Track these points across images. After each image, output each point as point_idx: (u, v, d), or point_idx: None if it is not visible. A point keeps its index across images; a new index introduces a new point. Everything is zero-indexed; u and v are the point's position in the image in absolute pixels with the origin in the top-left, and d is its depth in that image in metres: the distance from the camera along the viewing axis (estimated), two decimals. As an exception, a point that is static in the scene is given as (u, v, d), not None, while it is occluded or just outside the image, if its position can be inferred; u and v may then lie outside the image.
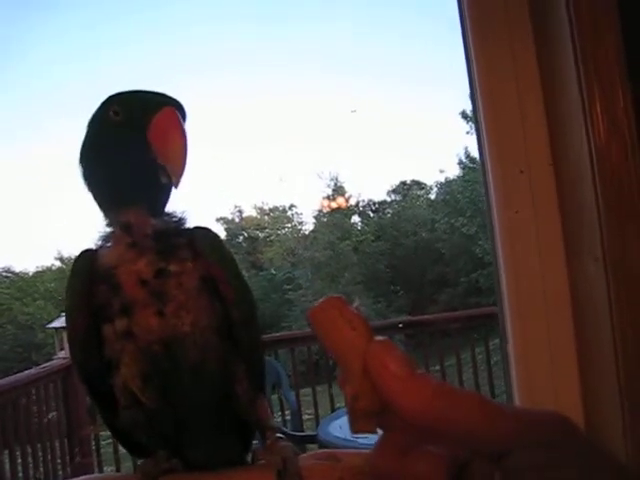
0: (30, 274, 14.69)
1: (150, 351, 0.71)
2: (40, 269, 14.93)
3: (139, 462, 0.74)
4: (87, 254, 0.76)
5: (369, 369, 0.35)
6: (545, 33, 1.09)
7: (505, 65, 1.11)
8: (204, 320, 0.73)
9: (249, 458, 0.80)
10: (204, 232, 0.78)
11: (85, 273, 0.74)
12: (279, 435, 0.74)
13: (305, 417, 4.82)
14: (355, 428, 0.37)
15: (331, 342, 0.38)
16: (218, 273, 0.75)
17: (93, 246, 0.76)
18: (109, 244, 0.74)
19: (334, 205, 15.71)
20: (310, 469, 0.68)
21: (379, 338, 0.37)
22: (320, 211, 16.12)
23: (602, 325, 1.00)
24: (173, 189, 0.76)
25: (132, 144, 0.74)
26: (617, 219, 0.98)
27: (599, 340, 1.02)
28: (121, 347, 0.71)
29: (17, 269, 14.47)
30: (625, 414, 0.96)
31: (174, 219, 0.77)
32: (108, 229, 0.76)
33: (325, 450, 0.72)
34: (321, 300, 0.39)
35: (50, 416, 3.87)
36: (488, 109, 1.12)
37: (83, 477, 0.73)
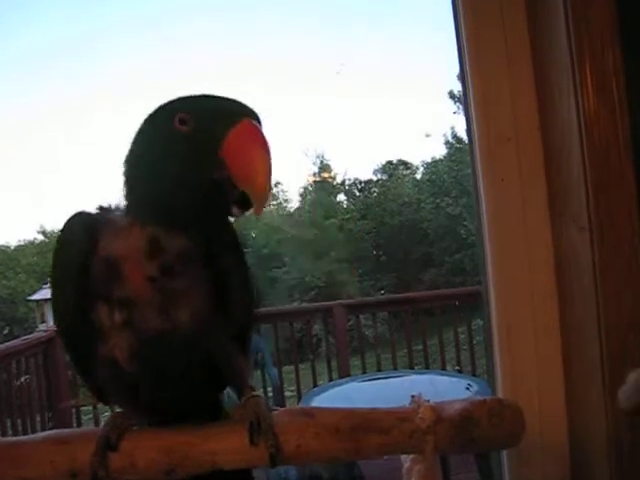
0: (12, 248, 14.56)
1: (145, 336, 0.69)
2: (22, 243, 14.80)
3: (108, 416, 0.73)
4: (84, 221, 0.72)
5: None
6: (536, -4, 1.06)
7: (494, 30, 1.09)
8: (204, 310, 0.71)
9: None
10: (222, 227, 0.73)
11: (82, 247, 0.70)
12: (255, 393, 0.73)
13: (287, 394, 4.83)
14: None
15: None
16: (226, 264, 0.73)
17: (92, 207, 0.73)
18: (119, 230, 0.70)
19: (319, 179, 15.70)
20: (285, 425, 0.67)
21: None
22: (306, 189, 16.09)
23: (586, 295, 0.99)
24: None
25: (201, 163, 0.65)
26: (604, 187, 0.96)
27: (583, 311, 1.01)
28: (115, 328, 0.70)
29: (-1, 243, 14.34)
30: (606, 384, 0.95)
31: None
32: (122, 213, 0.71)
33: (300, 406, 0.71)
34: None
35: (23, 379, 3.84)
36: (476, 73, 1.10)
37: (49, 431, 0.71)
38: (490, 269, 1.10)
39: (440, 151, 15.80)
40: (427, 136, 16.70)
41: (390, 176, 16.18)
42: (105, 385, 0.76)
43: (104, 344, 0.71)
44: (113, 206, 0.73)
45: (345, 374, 4.37)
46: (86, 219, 0.72)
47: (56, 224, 15.06)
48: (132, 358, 0.70)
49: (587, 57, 0.96)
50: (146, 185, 0.69)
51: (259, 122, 0.67)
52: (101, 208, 0.73)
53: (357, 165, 18.40)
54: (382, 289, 13.17)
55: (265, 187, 0.63)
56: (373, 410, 0.66)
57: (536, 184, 1.07)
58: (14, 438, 0.68)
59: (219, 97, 0.68)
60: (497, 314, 1.09)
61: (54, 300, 0.75)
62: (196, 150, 0.65)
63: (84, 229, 0.70)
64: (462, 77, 1.16)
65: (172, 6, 16.27)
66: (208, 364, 0.76)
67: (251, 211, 0.67)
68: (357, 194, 16.45)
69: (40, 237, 15.07)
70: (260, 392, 0.74)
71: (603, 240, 0.96)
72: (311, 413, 0.67)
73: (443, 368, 4.59)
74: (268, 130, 0.67)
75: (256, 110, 0.68)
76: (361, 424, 0.63)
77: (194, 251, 0.70)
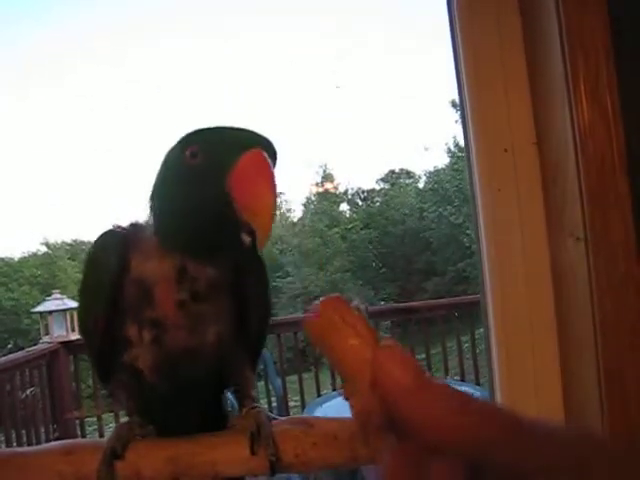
0: (15, 260, 14.58)
1: (171, 353, 0.71)
2: (25, 254, 14.83)
3: (114, 427, 0.74)
4: (116, 241, 0.72)
5: (376, 381, 0.32)
6: (531, 11, 1.08)
7: (490, 44, 1.11)
8: (227, 329, 0.73)
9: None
10: (249, 255, 0.73)
11: (115, 269, 0.70)
12: (255, 404, 0.75)
13: (291, 404, 4.83)
14: (367, 444, 0.34)
15: (333, 351, 0.34)
16: (251, 294, 0.75)
17: (124, 226, 0.74)
18: (150, 254, 0.70)
19: (321, 190, 15.74)
20: (284, 434, 0.68)
21: (385, 342, 0.33)
22: (309, 198, 16.12)
23: (582, 305, 1.00)
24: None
25: (210, 194, 0.65)
26: (599, 199, 0.98)
27: (579, 320, 1.02)
28: (141, 343, 0.71)
29: (2, 255, 14.36)
30: (603, 394, 0.96)
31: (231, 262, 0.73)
32: (152, 233, 0.72)
33: (299, 416, 0.72)
34: (318, 303, 0.35)
35: (29, 391, 3.84)
36: (473, 87, 1.11)
37: (55, 442, 0.72)
38: (488, 279, 1.11)
39: (443, 160, 15.85)
40: (426, 149, 16.77)
41: (393, 185, 16.20)
42: (120, 391, 0.77)
43: (128, 354, 0.72)
44: (143, 222, 0.74)
45: (349, 384, 4.35)
46: (118, 238, 0.72)
47: (59, 236, 15.12)
48: (155, 369, 0.72)
49: (581, 72, 0.98)
50: (167, 217, 0.70)
51: (272, 151, 0.66)
52: (132, 225, 0.74)
53: (360, 174, 18.43)
54: (383, 299, 13.14)
55: (265, 219, 0.62)
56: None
57: (532, 195, 1.09)
58: (21, 448, 0.69)
59: (230, 128, 0.67)
60: (495, 324, 1.10)
61: (82, 314, 0.77)
62: (205, 183, 0.65)
63: (117, 249, 0.71)
64: (459, 90, 1.17)
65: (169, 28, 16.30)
66: (220, 374, 0.78)
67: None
68: (360, 203, 16.47)
69: (43, 249, 15.10)
70: (260, 403, 0.76)
71: (599, 250, 0.97)
72: (310, 422, 0.68)
73: (446, 377, 4.58)
74: (278, 151, 0.68)
75: (270, 138, 0.67)
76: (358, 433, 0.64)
77: (222, 279, 0.71)
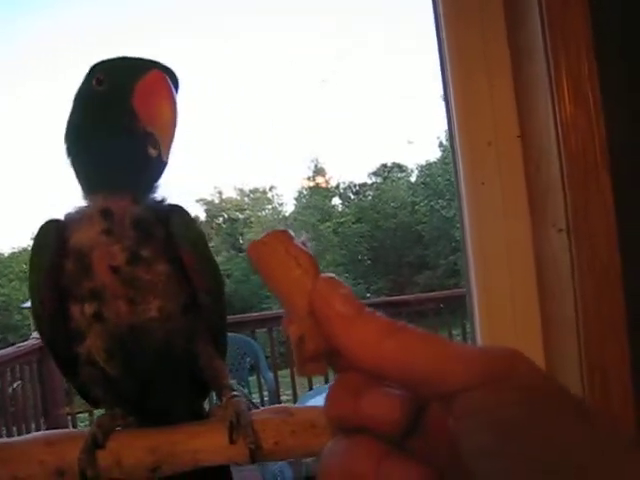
0: (5, 255, 14.49)
1: (117, 332, 0.70)
2: (15, 250, 14.72)
3: (96, 417, 0.75)
4: (53, 225, 0.73)
5: (314, 308, 0.33)
6: (515, 5, 1.09)
7: (474, 37, 1.11)
8: (172, 304, 0.72)
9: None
10: (179, 214, 0.75)
11: (53, 248, 0.72)
12: (234, 393, 0.75)
13: (284, 398, 4.84)
14: (302, 371, 0.35)
15: (274, 280, 0.35)
16: (189, 259, 0.74)
17: (61, 214, 0.74)
18: (81, 220, 0.72)
19: (313, 184, 15.74)
20: (263, 423, 0.69)
21: (325, 275, 0.34)
22: (300, 192, 16.10)
23: (565, 297, 1.01)
24: (164, 169, 0.72)
25: (117, 115, 0.68)
26: (581, 191, 0.99)
27: (562, 312, 1.03)
28: (87, 325, 0.71)
29: (-9, 250, 14.26)
30: (585, 382, 0.97)
31: (156, 204, 0.74)
32: (83, 203, 0.73)
33: (279, 405, 0.73)
34: (264, 234, 0.36)
35: (15, 385, 3.83)
36: (457, 81, 1.12)
37: (39, 432, 0.73)
38: (472, 272, 1.12)
39: (434, 154, 15.85)
40: (409, 143, 16.79)
41: (385, 179, 16.20)
42: (89, 388, 0.77)
43: (82, 345, 0.72)
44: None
45: (340, 377, 4.36)
46: (55, 222, 0.73)
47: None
48: (109, 358, 0.71)
49: (564, 67, 0.99)
50: (82, 150, 0.72)
51: (173, 78, 0.71)
52: (69, 212, 0.75)
53: (352, 168, 18.41)
54: (375, 293, 13.16)
55: (166, 125, 0.66)
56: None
57: (516, 188, 1.09)
58: (6, 439, 0.70)
59: (134, 57, 0.72)
60: (480, 316, 1.11)
61: (32, 306, 0.76)
62: (112, 105, 0.69)
63: (53, 230, 0.72)
64: (444, 84, 1.18)
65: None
66: (189, 366, 0.77)
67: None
68: (352, 197, 16.46)
69: (34, 244, 14.96)
70: (240, 392, 0.76)
71: (581, 242, 0.98)
72: (289, 411, 0.69)
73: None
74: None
75: (169, 66, 0.72)
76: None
77: (151, 226, 0.71)
